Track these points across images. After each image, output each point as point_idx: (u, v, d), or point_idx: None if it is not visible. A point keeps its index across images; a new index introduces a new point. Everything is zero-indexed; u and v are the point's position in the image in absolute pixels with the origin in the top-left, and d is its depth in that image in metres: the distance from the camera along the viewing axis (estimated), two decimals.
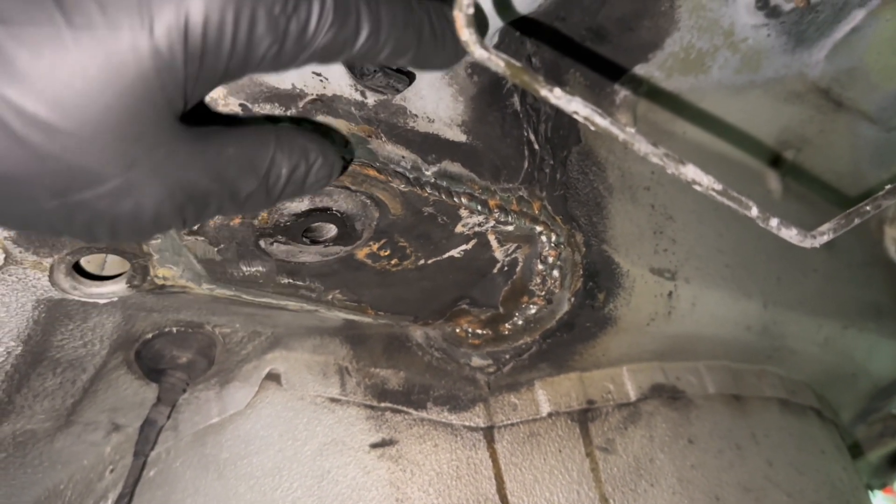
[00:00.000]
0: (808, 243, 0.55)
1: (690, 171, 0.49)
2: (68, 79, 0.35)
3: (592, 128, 0.48)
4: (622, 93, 0.89)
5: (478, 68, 0.73)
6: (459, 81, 0.73)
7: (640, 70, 0.87)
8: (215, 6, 0.37)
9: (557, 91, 0.47)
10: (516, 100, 0.77)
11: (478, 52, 0.45)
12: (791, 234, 0.54)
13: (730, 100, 0.96)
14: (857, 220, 0.57)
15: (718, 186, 0.50)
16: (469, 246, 0.75)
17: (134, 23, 0.35)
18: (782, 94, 1.00)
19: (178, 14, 0.36)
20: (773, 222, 0.53)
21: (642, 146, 0.48)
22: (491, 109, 0.75)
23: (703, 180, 0.49)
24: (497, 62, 0.45)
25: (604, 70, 0.86)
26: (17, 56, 0.34)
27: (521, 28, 0.78)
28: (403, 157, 0.67)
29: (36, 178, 0.37)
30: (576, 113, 0.47)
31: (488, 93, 0.74)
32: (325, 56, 0.43)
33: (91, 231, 0.41)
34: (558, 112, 0.81)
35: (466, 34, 0.44)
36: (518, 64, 0.46)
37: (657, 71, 0.87)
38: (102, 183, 0.38)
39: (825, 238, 0.56)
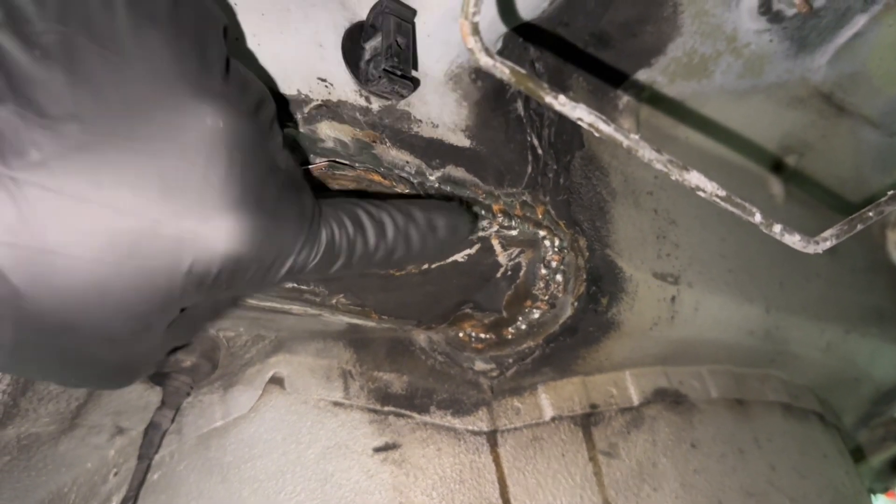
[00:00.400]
0: (810, 249, 0.55)
1: (694, 178, 0.49)
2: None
3: (597, 134, 0.48)
4: (625, 98, 0.89)
5: (482, 74, 0.74)
6: (463, 87, 0.73)
7: (643, 75, 0.87)
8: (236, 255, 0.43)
9: (562, 98, 0.47)
10: (520, 105, 0.78)
11: (483, 60, 0.45)
12: (794, 241, 0.54)
13: (732, 105, 0.97)
14: (859, 226, 0.57)
15: (722, 193, 0.50)
16: (473, 250, 0.76)
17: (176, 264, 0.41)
18: (785, 98, 1.00)
19: (211, 261, 0.42)
20: (777, 228, 0.53)
21: (646, 153, 0.48)
22: (495, 114, 0.75)
23: (707, 186, 0.49)
24: (502, 69, 0.46)
25: (607, 75, 0.87)
26: None
27: (525, 33, 0.79)
28: (408, 161, 0.68)
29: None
30: (580, 119, 0.48)
31: (492, 98, 0.75)
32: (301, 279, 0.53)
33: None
34: (562, 117, 0.81)
35: (472, 42, 0.44)
36: (522, 71, 0.46)
37: (660, 76, 0.88)
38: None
39: (828, 244, 0.56)
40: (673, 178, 0.49)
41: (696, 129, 0.97)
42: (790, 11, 0.84)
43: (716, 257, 0.94)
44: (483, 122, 0.74)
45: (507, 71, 0.46)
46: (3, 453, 0.87)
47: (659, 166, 0.48)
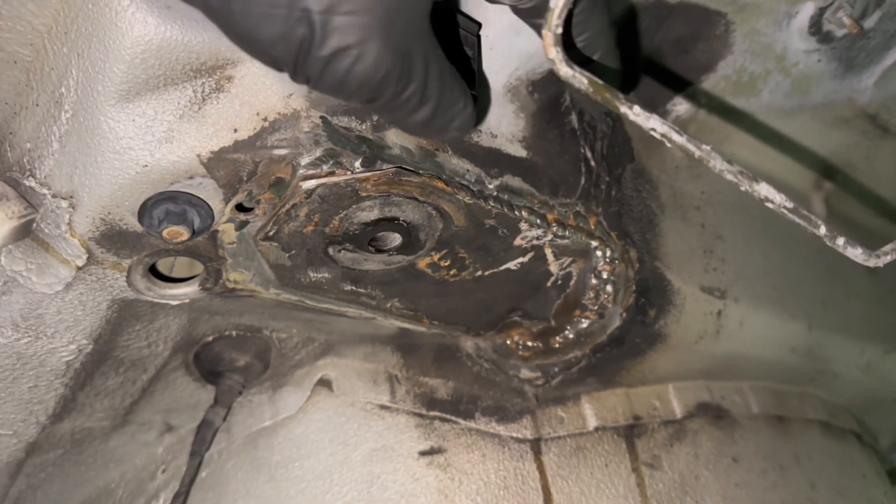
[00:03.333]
0: (871, 262, 0.56)
1: (763, 189, 0.50)
2: None
3: (668, 144, 0.50)
4: (674, 114, 0.90)
5: (538, 86, 0.75)
6: (521, 99, 0.75)
7: (693, 92, 0.89)
8: None
9: (636, 108, 0.49)
10: (574, 117, 0.79)
11: (563, 70, 0.47)
12: (856, 254, 0.55)
13: (778, 123, 0.98)
14: None
15: (790, 204, 0.51)
16: (526, 259, 0.77)
17: None
18: (830, 118, 1.01)
19: None
20: (840, 241, 0.54)
21: (717, 163, 0.49)
22: (550, 126, 0.77)
23: (776, 198, 0.51)
24: (581, 80, 0.47)
25: (658, 91, 0.88)
26: None
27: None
28: (468, 170, 0.69)
29: None
30: (653, 130, 0.49)
31: (548, 110, 0.76)
32: None
33: (338, 58, 0.44)
34: (614, 130, 0.83)
35: (554, 52, 0.46)
36: (600, 81, 0.48)
37: (709, 93, 0.89)
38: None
39: (888, 258, 0.57)
40: (743, 188, 0.50)
41: (741, 145, 0.98)
42: (840, 32, 0.85)
43: (760, 273, 0.95)
44: (539, 133, 0.76)
45: (585, 81, 0.47)
46: (57, 446, 0.89)
47: (730, 177, 0.50)
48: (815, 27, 0.85)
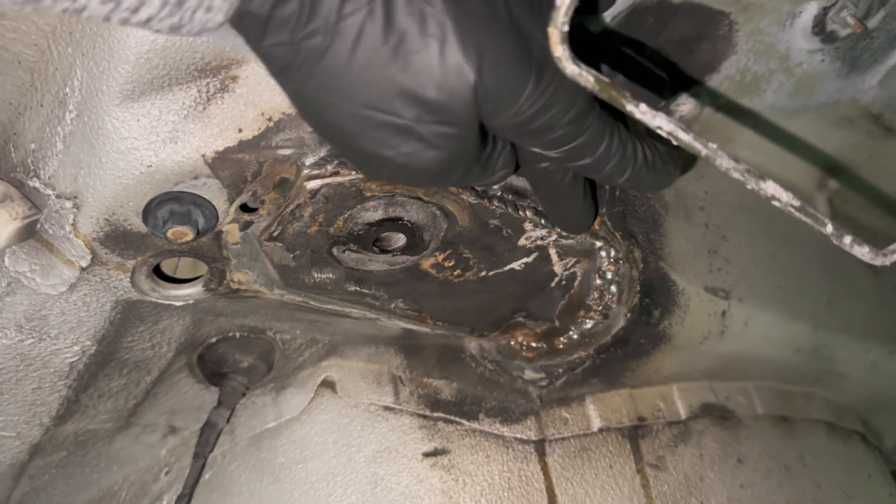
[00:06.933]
0: (878, 261, 0.56)
1: (770, 188, 0.50)
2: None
3: (675, 143, 0.50)
4: (678, 114, 0.90)
5: None
6: None
7: (696, 93, 0.88)
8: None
9: (643, 106, 0.49)
10: None
11: (569, 68, 0.47)
12: (863, 252, 0.55)
13: (782, 123, 0.97)
14: None
15: (797, 203, 0.51)
16: (530, 259, 0.77)
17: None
18: (833, 119, 1.00)
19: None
20: (847, 240, 0.54)
21: (724, 161, 0.49)
22: None
23: (783, 196, 0.50)
24: (587, 78, 0.47)
25: (661, 92, 0.88)
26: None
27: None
28: None
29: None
30: (660, 128, 0.49)
31: None
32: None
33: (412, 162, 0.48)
34: None
35: (560, 50, 0.46)
36: (606, 80, 0.48)
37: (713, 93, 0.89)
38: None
39: None
40: (749, 186, 0.50)
41: (745, 145, 0.98)
42: (844, 32, 0.85)
43: (765, 273, 0.94)
44: None
45: (591, 79, 0.47)
46: (60, 448, 0.89)
47: (737, 175, 0.49)
48: (819, 27, 0.85)
